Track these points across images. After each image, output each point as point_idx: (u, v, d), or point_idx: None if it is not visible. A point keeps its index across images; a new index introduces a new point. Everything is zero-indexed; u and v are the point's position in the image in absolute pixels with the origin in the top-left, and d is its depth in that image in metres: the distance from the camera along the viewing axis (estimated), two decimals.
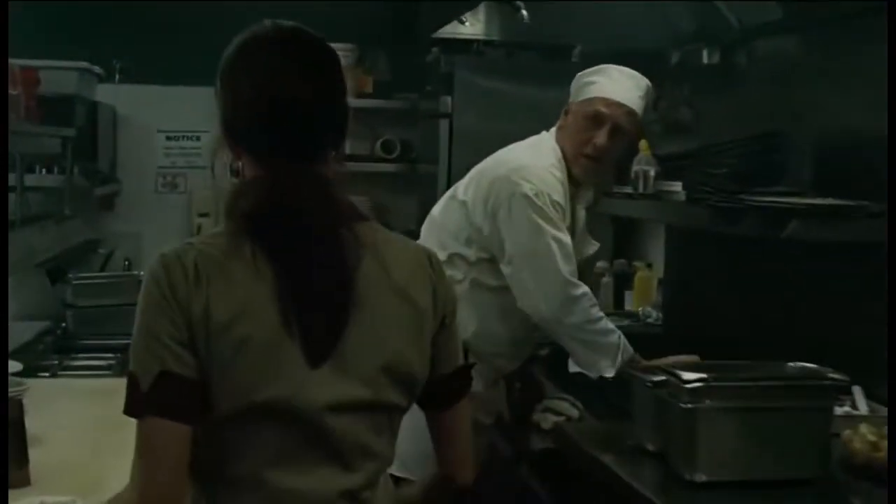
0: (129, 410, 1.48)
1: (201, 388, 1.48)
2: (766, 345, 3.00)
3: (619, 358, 2.73)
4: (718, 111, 3.69)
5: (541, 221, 2.77)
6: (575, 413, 2.74)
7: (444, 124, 4.45)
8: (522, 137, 4.38)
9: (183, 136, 5.33)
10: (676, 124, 3.95)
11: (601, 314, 2.79)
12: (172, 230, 5.25)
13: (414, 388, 1.61)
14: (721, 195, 2.73)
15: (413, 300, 1.59)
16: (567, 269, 2.76)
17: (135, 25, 5.10)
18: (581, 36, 4.43)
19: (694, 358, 2.69)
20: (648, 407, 2.21)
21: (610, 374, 2.74)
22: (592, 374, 2.77)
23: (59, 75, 3.90)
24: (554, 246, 2.76)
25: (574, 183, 2.95)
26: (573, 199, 2.96)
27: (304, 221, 1.53)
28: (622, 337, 2.78)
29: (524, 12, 3.62)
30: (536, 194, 2.78)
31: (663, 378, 2.09)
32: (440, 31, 4.53)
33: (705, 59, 3.79)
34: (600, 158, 2.91)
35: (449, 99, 4.43)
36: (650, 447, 2.24)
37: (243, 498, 1.53)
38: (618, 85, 2.91)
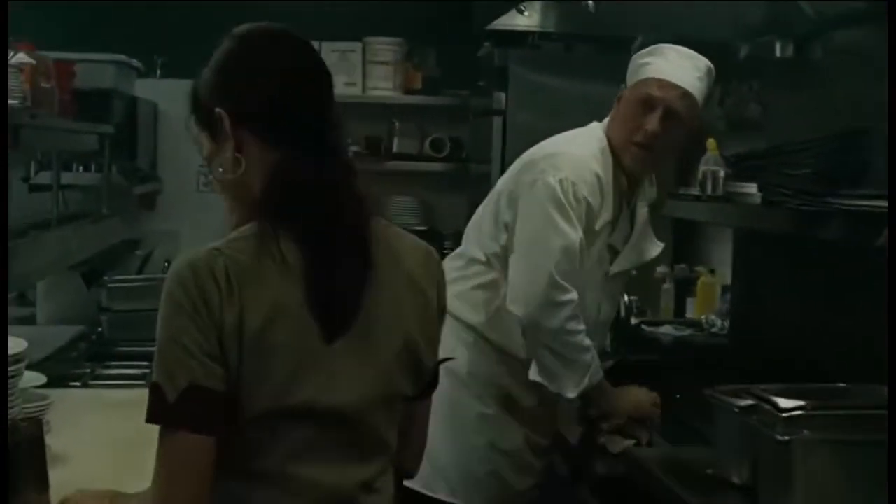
0: (153, 420, 1.46)
1: (228, 400, 1.48)
2: (844, 363, 2.75)
3: (587, 381, 2.54)
4: (791, 108, 3.46)
5: (555, 214, 2.56)
6: (645, 436, 2.52)
7: (497, 122, 4.25)
8: None
9: None
10: (743, 122, 3.73)
11: (582, 327, 2.56)
12: (213, 230, 4.89)
13: (421, 376, 1.65)
14: (804, 197, 2.50)
15: (423, 290, 1.64)
16: (563, 268, 2.52)
17: (178, 20, 4.95)
18: (642, 28, 4.20)
19: (653, 396, 2.67)
20: (734, 435, 1.98)
21: (572, 394, 2.56)
22: (553, 389, 2.57)
23: (95, 69, 3.74)
24: (558, 242, 2.53)
25: (630, 177, 2.74)
26: (629, 194, 2.77)
27: (330, 210, 1.55)
28: (595, 358, 2.60)
29: (591, 2, 3.38)
30: (562, 183, 2.58)
31: (752, 403, 1.86)
32: (494, 23, 4.33)
33: (778, 53, 3.56)
34: (651, 146, 2.67)
35: (503, 95, 4.23)
36: (735, 480, 2.00)
37: (266, 492, 1.53)
38: (672, 65, 2.68)
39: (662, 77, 2.66)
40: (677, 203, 3.32)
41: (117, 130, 4.01)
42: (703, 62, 2.73)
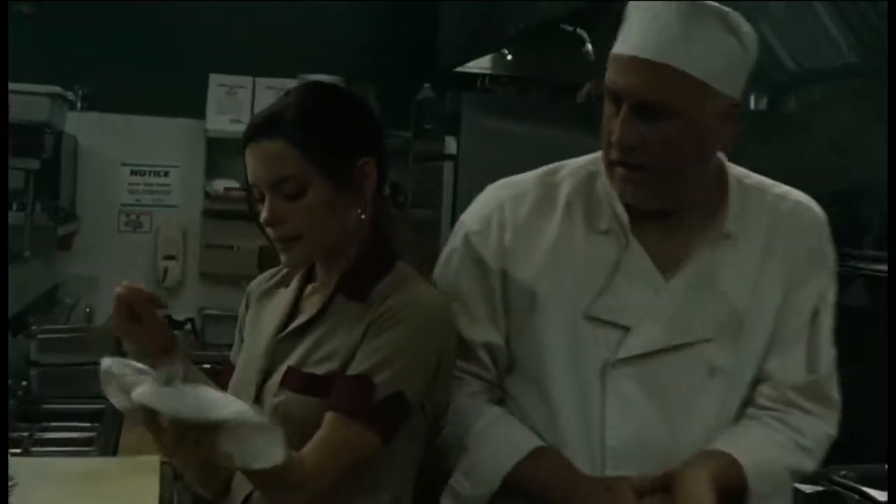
0: (358, 414, 1.60)
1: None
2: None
3: None
4: (763, 160, 3.38)
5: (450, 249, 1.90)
6: None
7: (448, 167, 4.07)
8: None
9: (150, 172, 4.89)
10: None
11: None
12: (135, 274, 4.79)
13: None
14: None
15: None
16: None
17: (100, 49, 4.66)
18: (598, 72, 4.10)
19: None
20: None
21: None
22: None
23: (29, 101, 3.45)
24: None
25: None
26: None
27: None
28: None
29: (589, 46, 3.23)
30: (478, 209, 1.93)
31: (822, 489, 1.68)
32: (443, 64, 4.19)
33: (752, 105, 3.49)
34: (632, 163, 1.69)
35: (454, 139, 4.06)
36: None
37: None
38: (637, 27, 1.65)
39: (622, 52, 1.66)
40: None
41: (42, 167, 3.72)
42: (710, 7, 1.66)
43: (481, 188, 4.20)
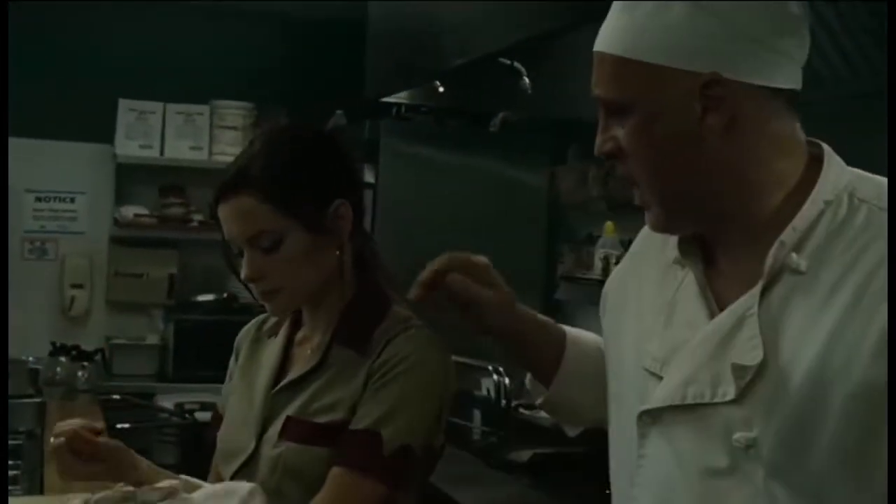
0: (368, 470, 1.58)
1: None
2: None
3: None
4: None
5: None
6: None
7: (365, 195, 4.03)
8: (453, 209, 4.11)
9: (55, 198, 4.77)
10: (629, 203, 3.66)
11: None
12: (40, 303, 4.67)
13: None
14: None
15: None
16: None
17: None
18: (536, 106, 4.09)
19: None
20: None
21: None
22: None
23: None
24: None
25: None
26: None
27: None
28: None
29: (526, 79, 3.20)
30: None
31: None
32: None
33: None
34: (625, 178, 1.41)
35: (372, 168, 4.03)
36: None
37: None
38: (606, 22, 1.38)
39: (595, 50, 1.38)
40: (576, 286, 3.20)
41: None
42: None
43: (400, 216, 4.20)
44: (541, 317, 1.66)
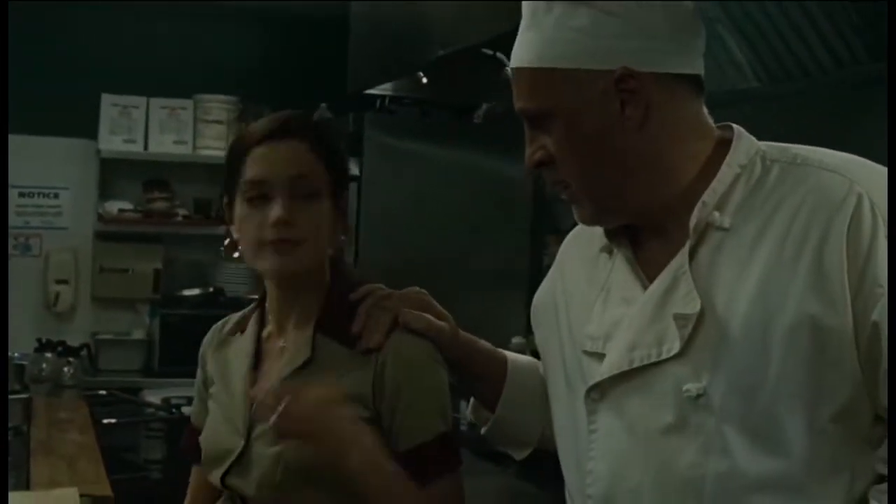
0: (445, 472, 1.64)
1: None
2: None
3: None
4: None
5: None
6: None
7: (350, 187, 4.04)
8: (438, 201, 4.12)
9: (38, 193, 4.76)
10: None
11: None
12: (25, 299, 4.65)
13: None
14: None
15: None
16: None
17: None
18: (493, 94, 4.10)
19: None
20: None
21: None
22: None
23: None
24: None
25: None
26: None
27: None
28: None
29: (509, 70, 3.20)
30: None
31: None
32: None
33: None
34: (554, 182, 1.48)
35: (357, 161, 4.03)
36: None
37: None
38: (518, 39, 1.47)
39: (511, 66, 1.48)
40: None
41: None
42: None
43: (385, 209, 4.18)
44: (482, 343, 1.73)
